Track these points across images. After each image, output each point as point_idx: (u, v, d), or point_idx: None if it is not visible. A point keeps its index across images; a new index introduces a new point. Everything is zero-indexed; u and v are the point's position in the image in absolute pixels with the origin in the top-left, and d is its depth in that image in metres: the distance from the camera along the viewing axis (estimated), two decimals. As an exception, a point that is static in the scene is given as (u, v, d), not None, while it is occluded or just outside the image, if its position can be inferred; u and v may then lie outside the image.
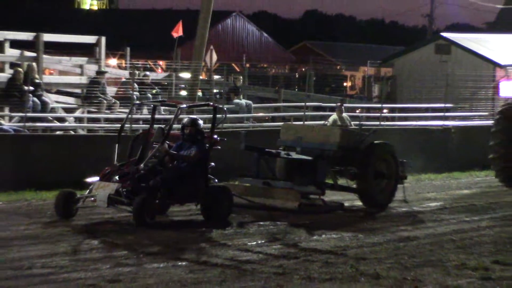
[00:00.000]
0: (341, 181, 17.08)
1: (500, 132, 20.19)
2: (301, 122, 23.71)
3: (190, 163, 14.20)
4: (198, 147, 14.34)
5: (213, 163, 14.62)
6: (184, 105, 15.83)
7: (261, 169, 16.37)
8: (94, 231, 12.83)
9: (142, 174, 13.83)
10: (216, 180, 14.99)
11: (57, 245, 12.03)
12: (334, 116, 23.37)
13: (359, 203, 16.54)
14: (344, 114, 23.57)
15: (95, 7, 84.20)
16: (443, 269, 11.38)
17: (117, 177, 13.89)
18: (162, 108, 23.60)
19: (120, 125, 15.81)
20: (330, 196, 16.77)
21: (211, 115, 15.50)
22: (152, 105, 16.65)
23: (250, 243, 12.70)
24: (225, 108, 17.20)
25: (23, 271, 10.48)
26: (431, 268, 11.40)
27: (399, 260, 11.85)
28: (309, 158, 16.15)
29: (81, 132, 23.16)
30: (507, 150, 19.89)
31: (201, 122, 14.98)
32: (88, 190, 13.99)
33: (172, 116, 16.15)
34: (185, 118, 15.28)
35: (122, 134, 14.85)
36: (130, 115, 16.94)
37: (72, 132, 22.83)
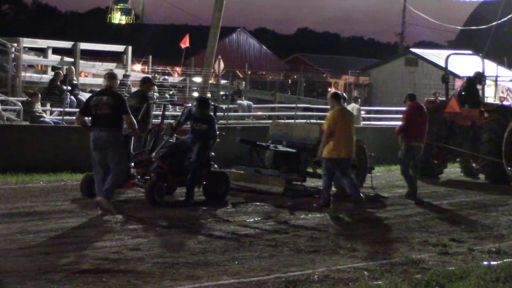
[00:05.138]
0: (320, 170, 16.97)
1: None
2: (291, 120, 23.65)
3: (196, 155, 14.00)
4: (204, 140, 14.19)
5: (213, 153, 14.55)
6: (190, 104, 15.80)
7: (253, 159, 16.34)
8: (115, 208, 12.73)
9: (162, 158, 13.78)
10: (216, 166, 14.95)
11: (87, 219, 11.98)
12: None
13: (333, 189, 16.42)
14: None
15: (124, 22, 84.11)
16: (408, 244, 11.35)
17: (132, 164, 13.85)
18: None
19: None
20: (310, 183, 16.67)
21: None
22: (162, 104, 16.62)
23: (248, 220, 12.64)
24: (224, 108, 17.18)
25: (59, 239, 10.44)
26: (399, 244, 11.36)
27: (371, 237, 11.81)
28: (293, 150, 16.11)
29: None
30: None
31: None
32: None
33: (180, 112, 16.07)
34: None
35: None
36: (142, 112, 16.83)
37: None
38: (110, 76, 12.72)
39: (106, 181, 12.08)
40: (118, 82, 13.35)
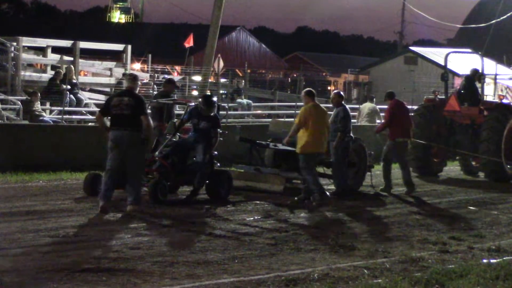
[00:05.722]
0: (319, 169, 16.91)
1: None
2: (291, 119, 23.61)
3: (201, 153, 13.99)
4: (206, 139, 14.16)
5: (216, 152, 14.52)
6: (192, 103, 15.82)
7: (253, 158, 16.31)
8: (116, 207, 12.71)
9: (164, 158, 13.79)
10: (219, 164, 14.93)
11: (87, 218, 11.97)
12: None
13: (332, 187, 16.40)
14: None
15: (123, 21, 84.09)
16: (408, 243, 11.34)
17: None
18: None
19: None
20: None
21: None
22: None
23: (248, 219, 12.64)
24: (227, 107, 17.17)
25: (59, 239, 10.43)
26: (399, 242, 11.36)
27: (371, 235, 11.81)
28: (293, 149, 16.05)
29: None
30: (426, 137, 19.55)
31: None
32: None
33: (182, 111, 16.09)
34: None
35: None
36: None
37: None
38: (132, 77, 13.09)
39: (129, 190, 12.34)
40: (139, 83, 13.79)
